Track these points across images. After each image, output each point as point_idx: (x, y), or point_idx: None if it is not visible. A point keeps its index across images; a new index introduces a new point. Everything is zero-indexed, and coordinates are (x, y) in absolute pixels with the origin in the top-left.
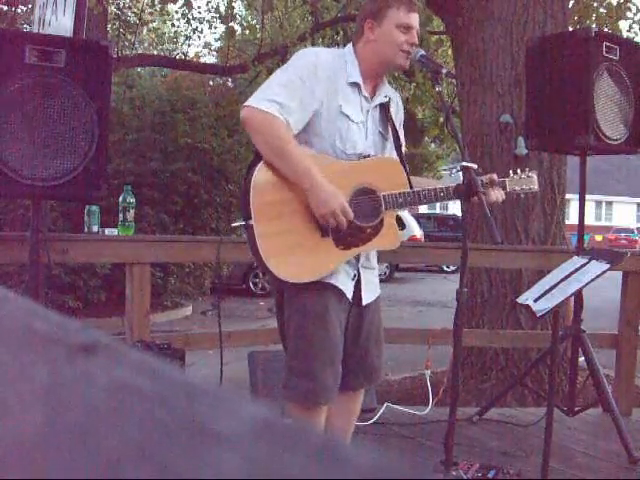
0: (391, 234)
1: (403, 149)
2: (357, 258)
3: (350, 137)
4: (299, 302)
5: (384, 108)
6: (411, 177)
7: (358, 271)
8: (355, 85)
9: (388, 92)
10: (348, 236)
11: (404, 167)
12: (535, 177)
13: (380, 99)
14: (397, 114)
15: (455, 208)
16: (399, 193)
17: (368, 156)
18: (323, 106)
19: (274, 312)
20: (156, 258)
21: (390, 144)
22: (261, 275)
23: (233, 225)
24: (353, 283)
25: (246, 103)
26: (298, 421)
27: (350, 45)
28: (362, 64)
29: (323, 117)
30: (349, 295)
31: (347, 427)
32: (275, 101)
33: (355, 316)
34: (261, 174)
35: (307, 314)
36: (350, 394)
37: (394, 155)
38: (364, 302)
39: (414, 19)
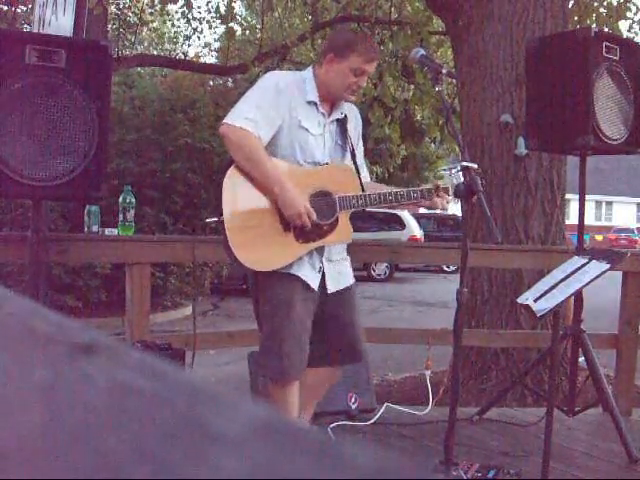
0: (345, 231)
1: (359, 159)
2: (321, 253)
3: (309, 148)
4: (269, 291)
5: (342, 123)
6: (375, 184)
7: (322, 264)
8: (312, 103)
9: (345, 109)
10: (307, 232)
11: (358, 174)
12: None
13: (336, 115)
14: (356, 127)
15: (455, 208)
16: (352, 196)
17: (326, 164)
18: (285, 122)
19: None
20: (156, 258)
21: (348, 154)
22: None
23: (207, 220)
24: (319, 275)
25: (224, 121)
26: (271, 397)
27: (310, 68)
28: (319, 87)
29: (285, 131)
30: (314, 285)
31: (317, 391)
32: (249, 118)
33: (329, 303)
34: (233, 175)
35: (276, 302)
36: (331, 369)
37: (350, 163)
38: (329, 290)
39: (371, 67)
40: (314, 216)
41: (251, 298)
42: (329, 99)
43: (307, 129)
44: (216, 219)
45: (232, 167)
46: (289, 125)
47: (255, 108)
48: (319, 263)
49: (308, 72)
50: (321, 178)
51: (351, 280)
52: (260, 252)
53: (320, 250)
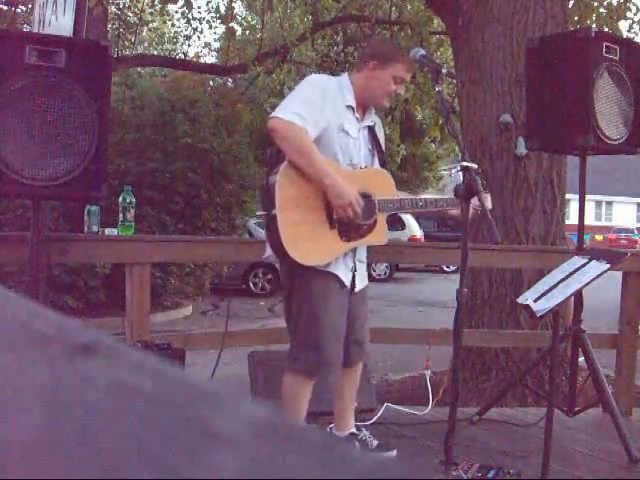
0: (382, 232)
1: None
2: (354, 253)
3: (349, 150)
4: (307, 287)
5: (371, 130)
6: (398, 192)
7: (355, 264)
8: (350, 108)
9: (374, 117)
10: (350, 231)
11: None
12: (489, 196)
13: (368, 122)
14: (381, 137)
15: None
16: (390, 199)
17: (362, 167)
18: (329, 124)
19: (274, 312)
20: (156, 258)
21: (377, 160)
22: (261, 275)
23: (257, 214)
24: (351, 274)
25: (272, 115)
26: (288, 389)
27: (346, 74)
28: (356, 92)
29: (328, 133)
30: (348, 284)
31: (354, 393)
32: (297, 113)
33: (351, 303)
34: (285, 172)
35: (315, 297)
36: (352, 367)
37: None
38: (356, 289)
39: (409, 75)
40: (362, 204)
41: (251, 298)
42: (363, 105)
43: (348, 132)
44: (265, 213)
45: (285, 164)
46: (332, 128)
47: (303, 104)
48: (352, 263)
49: (344, 78)
50: (362, 180)
51: (366, 280)
52: (308, 247)
53: (354, 250)
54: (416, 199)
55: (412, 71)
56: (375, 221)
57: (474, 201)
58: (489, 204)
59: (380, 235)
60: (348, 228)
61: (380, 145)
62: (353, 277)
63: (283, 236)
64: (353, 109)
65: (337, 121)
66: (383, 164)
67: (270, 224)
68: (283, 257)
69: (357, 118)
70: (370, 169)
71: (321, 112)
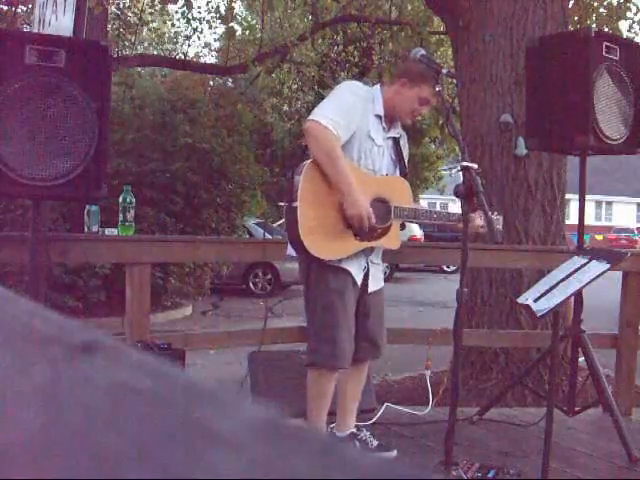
0: (395, 237)
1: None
2: (368, 254)
3: (372, 156)
4: (323, 282)
5: (396, 141)
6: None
7: (367, 264)
8: (378, 117)
9: (400, 130)
10: (365, 232)
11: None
12: (501, 218)
13: (393, 133)
14: (405, 150)
15: (455, 208)
16: (405, 207)
17: (385, 175)
18: (358, 130)
19: (274, 312)
20: (156, 258)
21: (398, 170)
22: (261, 275)
23: (279, 204)
24: (363, 274)
25: (310, 117)
26: (311, 383)
27: (378, 85)
28: (385, 104)
29: (356, 138)
30: (359, 282)
31: (358, 392)
32: (331, 118)
33: (364, 302)
34: (310, 168)
35: (330, 291)
36: (359, 365)
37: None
38: (369, 290)
39: (434, 100)
40: (373, 220)
41: (251, 298)
42: (390, 117)
43: (374, 139)
44: (287, 204)
45: (310, 162)
46: (360, 133)
47: (337, 110)
48: (364, 263)
49: (376, 89)
50: (382, 186)
51: (382, 283)
52: (323, 242)
53: (367, 252)
54: (430, 210)
55: (437, 95)
56: (389, 226)
57: (478, 222)
58: (500, 226)
59: (393, 240)
60: (363, 229)
61: (403, 157)
62: (366, 277)
63: (301, 228)
64: (381, 118)
65: (365, 127)
66: (404, 175)
67: (290, 215)
68: (299, 249)
69: (384, 128)
70: (391, 177)
71: (353, 117)
